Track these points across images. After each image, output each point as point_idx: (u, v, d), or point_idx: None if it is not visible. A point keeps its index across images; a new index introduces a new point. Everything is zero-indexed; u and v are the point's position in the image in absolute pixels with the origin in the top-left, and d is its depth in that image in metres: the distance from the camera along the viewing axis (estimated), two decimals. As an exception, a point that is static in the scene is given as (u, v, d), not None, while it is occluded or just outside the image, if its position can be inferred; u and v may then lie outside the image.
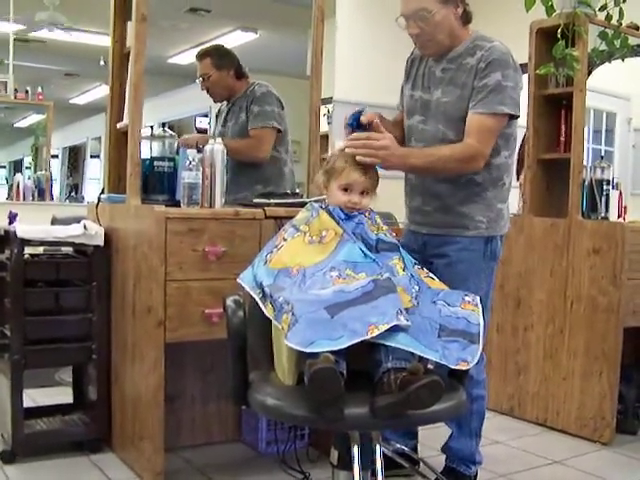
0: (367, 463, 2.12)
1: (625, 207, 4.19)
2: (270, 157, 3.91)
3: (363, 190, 2.33)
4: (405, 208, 3.03)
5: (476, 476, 3.08)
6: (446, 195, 2.83)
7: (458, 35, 2.80)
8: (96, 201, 3.46)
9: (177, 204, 3.13)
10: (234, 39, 8.71)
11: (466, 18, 2.81)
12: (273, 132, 3.90)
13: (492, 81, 2.70)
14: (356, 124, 2.57)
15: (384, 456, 2.24)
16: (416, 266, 2.32)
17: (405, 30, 2.78)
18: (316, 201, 2.42)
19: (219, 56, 4.05)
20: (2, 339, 3.33)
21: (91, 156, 14.54)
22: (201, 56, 4.06)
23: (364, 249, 2.19)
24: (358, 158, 2.38)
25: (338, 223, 2.26)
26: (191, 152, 3.17)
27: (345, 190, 2.32)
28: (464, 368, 2.03)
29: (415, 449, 3.22)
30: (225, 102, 4.14)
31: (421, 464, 3.18)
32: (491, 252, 2.87)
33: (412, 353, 1.96)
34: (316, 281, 2.06)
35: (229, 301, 2.17)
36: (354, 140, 2.45)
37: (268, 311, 2.06)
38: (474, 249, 2.83)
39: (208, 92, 4.09)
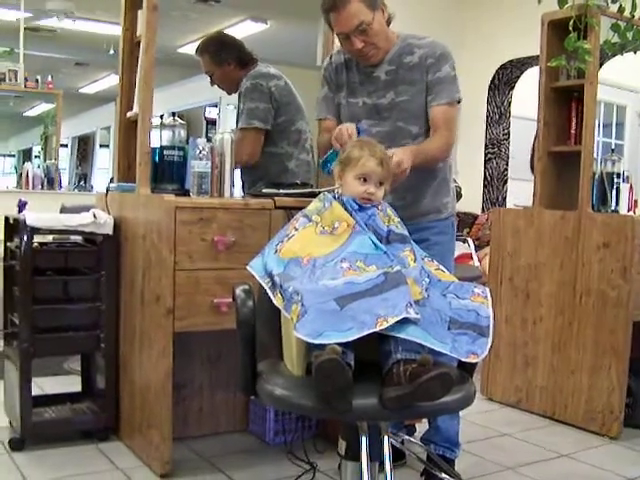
0: (375, 454, 2.11)
1: (636, 201, 4.19)
2: (269, 154, 3.77)
3: (379, 180, 2.32)
4: None
5: (454, 461, 3.12)
6: (418, 188, 2.94)
7: (390, 37, 2.96)
8: (105, 190, 3.46)
9: (186, 193, 3.13)
10: (244, 29, 8.72)
11: (389, 20, 2.96)
12: (254, 133, 3.71)
13: (444, 73, 2.91)
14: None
15: (392, 447, 2.24)
16: (426, 259, 2.31)
17: (342, 49, 2.98)
18: (328, 191, 2.41)
19: (216, 51, 3.88)
20: (11, 327, 3.35)
21: (100, 145, 14.60)
22: (200, 53, 3.92)
23: (375, 241, 2.18)
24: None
25: (351, 214, 2.25)
26: (200, 141, 3.17)
27: (361, 180, 2.31)
28: (474, 361, 2.03)
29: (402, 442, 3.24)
30: None
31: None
32: (454, 231, 3.16)
33: (422, 345, 1.95)
34: (326, 271, 2.06)
35: (238, 291, 2.17)
36: None
37: (277, 301, 2.05)
38: (447, 232, 3.08)
39: (219, 87, 4.01)
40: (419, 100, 2.92)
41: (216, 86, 4.01)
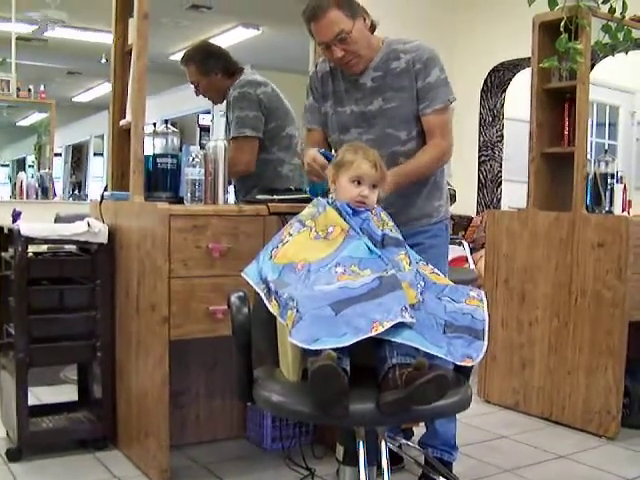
0: (373, 459, 2.11)
1: (629, 201, 4.19)
2: (261, 161, 3.75)
3: (373, 183, 2.32)
4: None
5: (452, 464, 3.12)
6: (410, 194, 2.93)
7: (373, 44, 2.93)
8: (99, 199, 3.46)
9: (180, 201, 3.13)
10: (236, 36, 8.72)
11: (372, 27, 2.94)
12: (248, 141, 3.69)
13: (434, 78, 2.89)
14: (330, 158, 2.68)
15: (389, 451, 2.23)
16: (421, 262, 2.31)
17: (326, 57, 2.95)
18: (322, 196, 2.41)
19: (202, 60, 3.84)
20: (7, 337, 3.34)
21: (94, 154, 14.58)
22: (185, 63, 3.87)
23: (370, 245, 2.18)
24: None
25: (345, 219, 2.25)
26: (194, 149, 3.17)
27: (356, 183, 2.31)
28: (469, 364, 2.03)
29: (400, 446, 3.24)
30: None
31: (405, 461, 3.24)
32: (449, 235, 3.16)
33: (417, 349, 1.95)
34: (321, 276, 2.05)
35: (233, 298, 2.17)
36: None
37: (273, 307, 2.05)
38: (441, 235, 3.06)
39: (205, 97, 3.98)
40: (408, 106, 2.90)
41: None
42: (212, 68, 3.83)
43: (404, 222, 2.76)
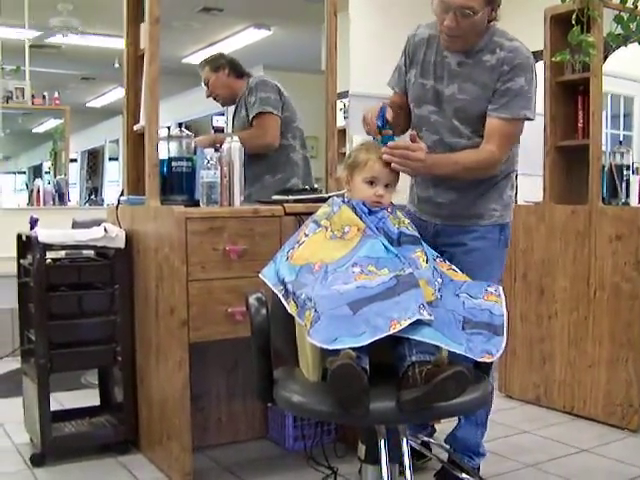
0: (395, 456, 2.11)
1: (646, 192, 4.17)
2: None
3: (387, 183, 2.33)
4: (411, 194, 2.99)
5: (479, 469, 3.08)
6: (463, 189, 2.82)
7: (481, 34, 2.73)
8: (116, 203, 3.48)
9: (196, 204, 3.14)
10: (247, 37, 8.70)
11: (492, 19, 2.74)
12: (273, 117, 3.91)
13: (516, 86, 2.68)
14: (383, 122, 2.53)
15: (411, 448, 2.23)
16: (438, 259, 2.31)
17: (436, 15, 2.72)
18: (337, 196, 2.41)
19: (213, 60, 4.17)
20: (28, 344, 3.36)
21: (110, 159, 14.59)
22: (202, 66, 4.17)
23: (386, 244, 2.18)
24: (393, 165, 2.37)
25: (361, 218, 2.25)
26: (209, 151, 3.17)
27: (370, 183, 2.31)
28: (489, 360, 2.03)
29: (426, 444, 3.22)
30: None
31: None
32: (505, 239, 2.91)
33: (436, 346, 1.95)
34: (338, 277, 2.06)
35: (252, 299, 2.17)
36: (392, 149, 2.39)
37: (291, 308, 2.06)
38: (489, 237, 2.86)
39: (215, 99, 4.18)
40: (479, 104, 2.72)
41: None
42: (220, 64, 4.11)
43: (450, 216, 2.73)
